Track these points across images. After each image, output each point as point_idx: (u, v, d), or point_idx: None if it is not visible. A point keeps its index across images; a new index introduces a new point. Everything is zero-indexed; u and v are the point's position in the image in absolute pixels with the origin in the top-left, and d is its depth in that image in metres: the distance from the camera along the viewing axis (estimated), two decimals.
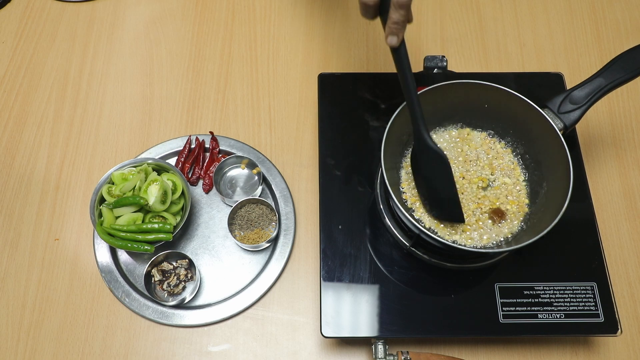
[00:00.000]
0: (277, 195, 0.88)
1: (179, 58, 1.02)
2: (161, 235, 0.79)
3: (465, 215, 0.73)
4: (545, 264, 0.76)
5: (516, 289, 0.75)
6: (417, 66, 1.00)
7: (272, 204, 0.85)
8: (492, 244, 0.72)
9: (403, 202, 0.75)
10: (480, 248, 0.72)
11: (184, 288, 0.82)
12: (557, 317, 0.73)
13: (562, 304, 0.74)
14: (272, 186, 0.89)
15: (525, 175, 0.77)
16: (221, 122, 0.96)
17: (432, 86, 0.73)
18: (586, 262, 0.76)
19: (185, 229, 0.86)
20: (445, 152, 0.69)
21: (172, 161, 0.91)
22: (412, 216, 0.73)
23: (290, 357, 0.79)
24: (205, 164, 0.90)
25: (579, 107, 0.74)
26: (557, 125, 0.72)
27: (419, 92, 0.72)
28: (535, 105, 0.72)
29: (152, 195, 0.79)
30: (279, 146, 0.94)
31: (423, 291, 0.76)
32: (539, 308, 0.73)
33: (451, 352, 0.79)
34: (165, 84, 0.99)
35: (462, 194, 0.75)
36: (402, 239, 0.76)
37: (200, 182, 0.90)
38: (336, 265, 0.77)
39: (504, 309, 0.74)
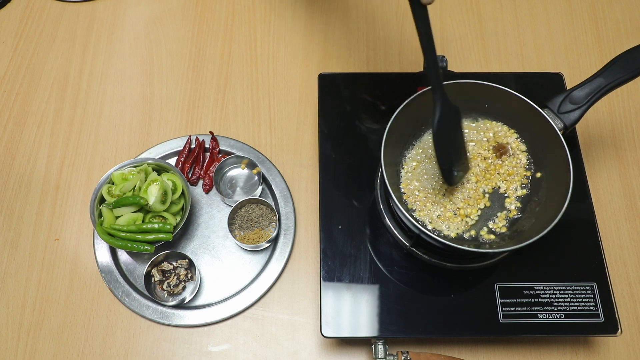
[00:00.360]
0: (277, 195, 0.88)
1: (179, 58, 1.02)
2: (161, 235, 0.79)
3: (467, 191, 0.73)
4: (545, 264, 0.76)
5: (516, 289, 0.75)
6: (417, 66, 1.00)
7: (272, 204, 0.85)
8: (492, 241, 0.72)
9: (403, 202, 0.75)
10: (481, 248, 0.72)
11: (184, 288, 0.82)
12: (557, 317, 0.73)
13: (562, 304, 0.74)
14: (272, 186, 0.89)
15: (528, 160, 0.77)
16: (221, 122, 0.96)
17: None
18: (586, 262, 0.76)
19: (185, 229, 0.86)
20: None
21: (172, 161, 0.91)
22: (412, 216, 0.73)
23: (290, 357, 0.79)
24: (205, 164, 0.90)
25: (579, 107, 0.74)
26: (557, 125, 0.72)
27: (418, 92, 0.72)
28: (535, 105, 0.72)
29: (152, 195, 0.79)
30: (279, 146, 0.94)
31: (423, 291, 0.76)
32: (539, 308, 0.73)
33: (451, 352, 0.79)
34: (165, 84, 0.99)
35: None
36: (402, 239, 0.76)
37: (200, 182, 0.90)
38: (336, 265, 0.77)
39: (504, 309, 0.74)
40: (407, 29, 1.04)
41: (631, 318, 0.81)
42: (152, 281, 0.82)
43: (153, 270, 0.82)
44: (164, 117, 0.96)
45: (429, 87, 0.72)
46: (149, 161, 0.84)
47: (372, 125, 0.86)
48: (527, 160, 0.76)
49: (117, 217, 0.81)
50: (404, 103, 0.72)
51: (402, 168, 0.78)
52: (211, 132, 0.93)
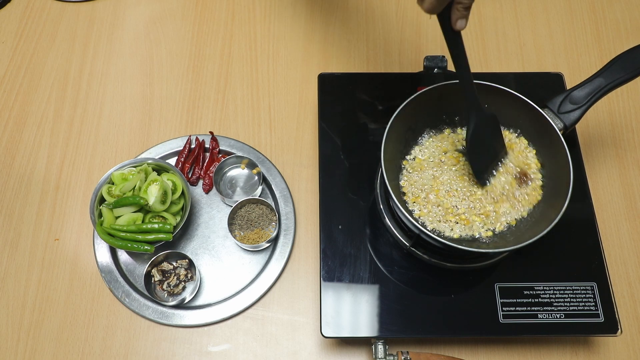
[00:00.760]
0: (277, 195, 0.88)
1: (179, 58, 1.02)
2: (161, 235, 0.79)
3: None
4: (545, 264, 0.76)
5: (516, 289, 0.75)
6: (417, 66, 1.00)
7: (272, 204, 0.85)
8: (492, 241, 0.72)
9: (403, 202, 0.75)
10: (481, 248, 0.72)
11: (184, 288, 0.82)
12: (557, 317, 0.73)
13: (562, 304, 0.74)
14: (272, 186, 0.89)
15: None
16: (221, 122, 0.96)
17: (432, 86, 0.73)
18: (586, 262, 0.76)
19: (185, 229, 0.86)
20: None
21: (172, 161, 0.91)
22: (412, 216, 0.73)
23: (290, 357, 0.79)
24: (205, 164, 0.90)
25: (579, 107, 0.74)
26: (557, 125, 0.72)
27: (418, 92, 0.72)
28: (535, 105, 0.72)
29: (152, 195, 0.79)
30: (279, 146, 0.94)
31: (423, 291, 0.76)
32: (539, 308, 0.73)
33: (451, 352, 0.79)
34: (165, 84, 0.99)
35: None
36: (402, 239, 0.76)
37: (200, 182, 0.90)
38: (336, 265, 0.77)
39: (504, 309, 0.74)
40: (407, 29, 1.04)
41: (631, 318, 0.81)
42: (152, 281, 0.82)
43: (153, 270, 0.82)
44: (164, 117, 0.96)
45: (429, 87, 0.73)
46: (149, 161, 0.84)
47: (372, 125, 0.86)
48: (542, 181, 0.75)
49: (117, 217, 0.81)
50: (404, 103, 0.72)
51: (403, 168, 0.78)
52: (211, 132, 0.93)
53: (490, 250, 0.67)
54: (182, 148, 0.91)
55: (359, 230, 0.79)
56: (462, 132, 0.80)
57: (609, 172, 0.92)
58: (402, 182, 0.77)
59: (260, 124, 0.95)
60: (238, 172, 0.91)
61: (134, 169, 0.83)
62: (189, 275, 0.82)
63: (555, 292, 0.74)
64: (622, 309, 0.81)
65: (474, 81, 0.68)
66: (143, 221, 0.81)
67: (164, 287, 0.81)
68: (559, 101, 0.74)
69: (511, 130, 0.78)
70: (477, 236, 0.73)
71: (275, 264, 0.84)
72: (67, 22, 1.05)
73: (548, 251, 0.77)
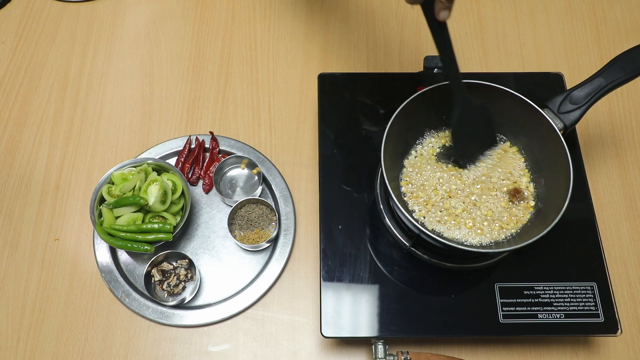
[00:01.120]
0: (277, 195, 0.88)
1: (179, 58, 1.02)
2: (161, 235, 0.79)
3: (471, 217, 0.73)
4: (545, 264, 0.76)
5: (516, 289, 0.75)
6: (417, 66, 1.00)
7: (272, 204, 0.85)
8: (492, 241, 0.72)
9: (403, 202, 0.75)
10: (481, 248, 0.72)
11: (184, 288, 0.82)
12: (557, 317, 0.73)
13: (562, 304, 0.74)
14: (272, 186, 0.89)
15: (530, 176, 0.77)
16: (221, 122, 0.96)
17: (432, 86, 0.73)
18: (586, 262, 0.76)
19: (185, 229, 0.86)
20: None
21: (172, 161, 0.91)
22: (412, 216, 0.73)
23: (290, 357, 0.79)
24: (205, 164, 0.90)
25: (579, 107, 0.74)
26: (557, 125, 0.72)
27: (418, 92, 0.72)
28: (535, 105, 0.72)
29: (152, 195, 0.79)
30: (279, 146, 0.94)
31: (423, 291, 0.76)
32: (539, 308, 0.73)
33: (451, 352, 0.79)
34: (165, 84, 0.99)
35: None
36: (402, 239, 0.76)
37: (200, 182, 0.90)
38: (336, 265, 0.77)
39: (504, 309, 0.74)
40: (407, 29, 1.04)
41: (631, 318, 0.81)
42: (152, 281, 0.82)
43: (153, 270, 0.82)
44: (164, 117, 0.96)
45: (429, 87, 0.73)
46: (149, 161, 0.84)
47: (372, 125, 0.86)
48: (534, 201, 0.75)
49: (117, 217, 0.81)
50: (404, 103, 0.72)
51: (403, 168, 0.78)
52: (211, 132, 0.93)
53: (490, 250, 0.67)
54: (182, 148, 0.91)
55: (359, 230, 0.79)
56: None
57: (609, 172, 0.92)
58: (402, 182, 0.77)
59: (260, 124, 0.95)
60: (238, 172, 0.91)
61: (134, 169, 0.83)
62: (189, 275, 0.82)
63: (555, 292, 0.74)
64: (622, 309, 0.81)
65: (463, 79, 0.70)
66: (143, 221, 0.81)
67: (164, 287, 0.81)
68: (559, 101, 0.74)
69: (505, 140, 0.79)
70: (477, 236, 0.73)
71: (275, 264, 0.84)
72: (67, 22, 1.05)
73: (548, 251, 0.77)
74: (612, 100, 0.98)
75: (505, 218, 0.74)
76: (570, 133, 0.79)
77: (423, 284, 0.76)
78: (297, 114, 0.96)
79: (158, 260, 0.82)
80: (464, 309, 0.74)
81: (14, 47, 1.03)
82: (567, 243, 0.78)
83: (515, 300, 0.74)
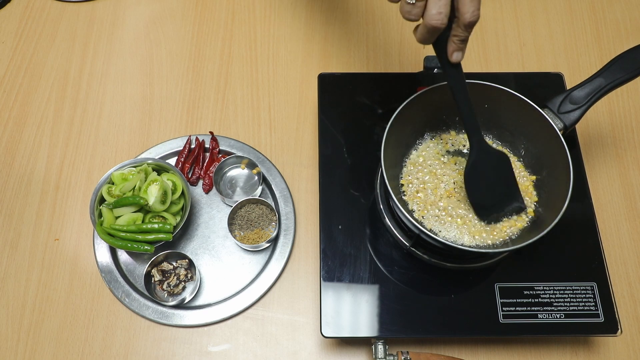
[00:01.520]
0: (277, 195, 0.88)
1: (179, 58, 1.02)
2: (161, 235, 0.79)
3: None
4: (545, 264, 0.76)
5: (516, 289, 0.75)
6: (417, 66, 1.00)
7: (272, 204, 0.85)
8: (492, 241, 0.72)
9: (403, 203, 0.75)
10: (481, 248, 0.72)
11: (184, 288, 0.82)
12: (557, 317, 0.73)
13: (562, 304, 0.74)
14: (272, 186, 0.89)
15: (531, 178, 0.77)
16: (221, 122, 0.96)
17: (432, 86, 0.73)
18: (586, 262, 0.76)
19: (185, 229, 0.86)
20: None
21: (172, 161, 0.91)
22: (412, 216, 0.73)
23: (290, 357, 0.79)
24: (205, 164, 0.90)
25: (579, 107, 0.74)
26: (557, 125, 0.72)
27: (419, 92, 0.72)
28: (535, 105, 0.72)
29: (152, 195, 0.79)
30: (279, 146, 0.94)
31: (423, 291, 0.76)
32: (539, 308, 0.73)
33: (451, 352, 0.79)
34: (165, 84, 0.99)
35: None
36: (402, 239, 0.76)
37: (200, 182, 0.90)
38: (336, 265, 0.77)
39: (504, 309, 0.74)
40: (407, 29, 1.04)
41: (631, 318, 0.81)
42: (152, 281, 0.82)
43: (153, 270, 0.82)
44: (164, 117, 0.96)
45: (429, 87, 0.73)
46: (149, 161, 0.84)
47: (372, 125, 0.86)
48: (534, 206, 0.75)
49: (117, 217, 0.81)
50: (404, 103, 0.72)
51: (403, 168, 0.78)
52: (211, 132, 0.93)
53: (490, 251, 0.67)
54: (182, 148, 0.91)
55: (359, 230, 0.79)
56: (462, 133, 0.80)
57: (609, 172, 0.92)
58: (402, 182, 0.77)
59: (260, 124, 0.95)
60: (238, 172, 0.91)
61: (134, 169, 0.83)
62: (189, 275, 0.82)
63: (555, 292, 0.74)
64: (622, 309, 0.81)
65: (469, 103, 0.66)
66: (143, 221, 0.81)
67: (164, 287, 0.81)
68: (559, 101, 0.74)
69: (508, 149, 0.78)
70: (477, 237, 0.73)
71: (275, 264, 0.84)
72: (67, 22, 1.05)
73: (548, 251, 0.77)
74: (612, 100, 0.98)
75: (505, 218, 0.74)
76: (570, 133, 0.79)
77: (423, 284, 0.76)
78: (297, 114, 0.96)
79: (158, 260, 0.82)
80: (464, 309, 0.74)
81: (14, 47, 1.03)
82: (567, 243, 0.78)
83: (515, 300, 0.74)
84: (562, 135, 0.71)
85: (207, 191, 0.89)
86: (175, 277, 0.82)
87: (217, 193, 0.88)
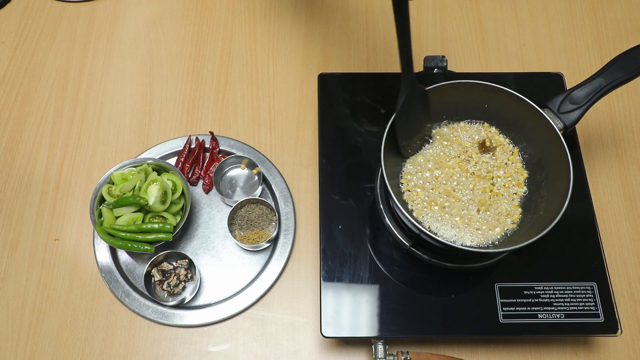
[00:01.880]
0: (277, 195, 0.88)
1: (179, 58, 1.02)
2: (161, 235, 0.79)
3: (467, 212, 0.73)
4: (545, 264, 0.76)
5: (516, 289, 0.75)
6: (417, 66, 1.00)
7: (272, 204, 0.85)
8: (492, 241, 0.72)
9: (403, 202, 0.75)
10: (480, 247, 0.72)
11: (184, 288, 0.82)
12: (557, 317, 0.73)
13: (562, 304, 0.74)
14: (272, 186, 0.89)
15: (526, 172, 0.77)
16: (221, 122, 0.96)
17: (432, 86, 0.73)
18: (586, 262, 0.76)
19: (185, 229, 0.86)
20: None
21: (172, 161, 0.91)
22: (412, 216, 0.73)
23: (290, 357, 0.79)
24: (205, 164, 0.90)
25: (579, 107, 0.74)
26: (557, 125, 0.72)
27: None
28: (535, 105, 0.72)
29: (152, 195, 0.79)
30: (279, 146, 0.94)
31: (423, 291, 0.76)
32: (539, 308, 0.73)
33: (451, 352, 0.79)
34: (165, 84, 0.99)
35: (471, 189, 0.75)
36: (402, 239, 0.76)
37: (200, 182, 0.90)
38: (336, 265, 0.77)
39: (504, 309, 0.74)
40: None
41: (631, 318, 0.81)
42: (152, 281, 0.82)
43: (153, 270, 0.82)
44: (164, 117, 0.96)
45: (429, 87, 0.73)
46: (149, 161, 0.84)
47: (372, 125, 0.86)
48: (522, 163, 0.77)
49: (117, 217, 0.81)
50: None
51: (403, 167, 0.78)
52: (211, 132, 0.93)
53: (490, 251, 0.67)
54: (182, 148, 0.91)
55: (359, 230, 0.79)
56: (462, 134, 0.80)
57: (609, 172, 0.92)
58: (402, 182, 0.77)
59: (260, 124, 0.95)
60: (238, 172, 0.91)
61: (134, 169, 0.83)
62: (189, 275, 0.82)
63: (555, 292, 0.74)
64: (622, 309, 0.81)
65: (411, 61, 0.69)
66: (143, 221, 0.81)
67: (164, 287, 0.81)
68: (559, 101, 0.74)
69: (505, 137, 0.79)
70: (477, 236, 0.73)
71: (275, 264, 0.84)
72: (67, 22, 1.05)
73: (548, 251, 0.77)
74: (612, 100, 0.98)
75: (505, 218, 0.74)
76: (570, 133, 0.79)
77: (423, 284, 0.76)
78: (297, 114, 0.96)
79: (158, 260, 0.82)
80: (464, 309, 0.74)
81: (14, 47, 1.03)
82: (567, 243, 0.78)
83: (515, 300, 0.74)
84: (562, 135, 0.71)
85: (207, 191, 0.89)
86: (175, 277, 0.82)
87: (217, 193, 0.88)
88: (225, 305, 0.81)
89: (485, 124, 0.79)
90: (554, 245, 0.77)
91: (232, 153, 0.91)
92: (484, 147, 0.77)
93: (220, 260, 0.85)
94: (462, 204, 0.74)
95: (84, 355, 0.79)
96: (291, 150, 0.93)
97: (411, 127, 0.75)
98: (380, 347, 0.73)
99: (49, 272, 0.84)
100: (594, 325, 0.72)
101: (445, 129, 0.80)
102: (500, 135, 0.79)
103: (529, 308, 0.74)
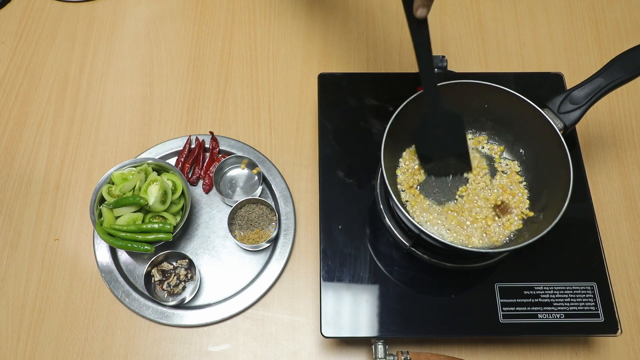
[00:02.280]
0: (277, 195, 0.88)
1: (179, 58, 1.02)
2: (161, 235, 0.79)
3: (465, 217, 0.73)
4: (545, 264, 0.76)
5: (516, 289, 0.75)
6: (417, 66, 1.00)
7: (272, 204, 0.85)
8: (497, 243, 0.72)
9: (403, 202, 0.75)
10: (481, 248, 0.72)
11: (184, 288, 0.82)
12: (557, 317, 0.73)
13: (562, 304, 0.74)
14: (272, 186, 0.89)
15: (524, 177, 0.77)
16: (221, 122, 0.96)
17: None
18: (586, 262, 0.76)
19: (185, 229, 0.86)
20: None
21: (172, 161, 0.91)
22: (412, 216, 0.73)
23: (290, 357, 0.79)
24: (205, 164, 0.90)
25: (579, 107, 0.74)
26: (557, 125, 0.72)
27: (419, 92, 0.72)
28: (535, 105, 0.72)
29: (152, 195, 0.79)
30: (279, 146, 0.94)
31: (423, 291, 0.76)
32: (539, 308, 0.73)
33: (451, 352, 0.79)
34: (165, 84, 0.99)
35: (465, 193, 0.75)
36: (402, 239, 0.76)
37: (200, 182, 0.90)
38: (336, 265, 0.77)
39: (504, 309, 0.74)
40: (407, 29, 1.04)
41: (631, 318, 0.81)
42: (152, 281, 0.82)
43: (153, 270, 0.82)
44: (164, 117, 0.96)
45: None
46: (149, 161, 0.84)
47: (372, 125, 0.86)
48: (525, 188, 0.76)
49: (117, 217, 0.81)
50: (404, 103, 0.72)
51: (403, 168, 0.78)
52: (211, 132, 0.93)
53: (490, 251, 0.67)
54: (182, 148, 0.91)
55: (359, 230, 0.79)
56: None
57: (609, 172, 0.92)
58: (402, 182, 0.76)
59: (260, 124, 0.95)
60: (238, 172, 0.91)
61: (134, 169, 0.83)
62: (189, 275, 0.82)
63: (555, 292, 0.74)
64: (622, 309, 0.81)
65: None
66: (143, 221, 0.81)
67: (164, 287, 0.81)
68: (559, 101, 0.74)
69: (507, 156, 0.79)
70: (476, 236, 0.73)
71: (275, 264, 0.84)
72: (67, 22, 1.05)
73: (548, 251, 0.77)
74: (612, 100, 0.98)
75: (505, 218, 0.74)
76: (570, 133, 0.79)
77: (423, 284, 0.76)
78: (297, 114, 0.96)
79: (158, 260, 0.82)
80: (464, 309, 0.74)
81: (14, 47, 1.03)
82: (567, 243, 0.78)
83: (515, 300, 0.74)
84: (562, 135, 0.71)
85: (207, 191, 0.89)
86: (175, 277, 0.82)
87: (217, 193, 0.88)
88: (225, 305, 0.81)
89: (492, 145, 0.79)
90: (554, 245, 0.77)
91: (232, 153, 0.91)
92: (499, 209, 0.75)
93: (220, 260, 0.85)
94: (462, 204, 0.74)
95: (84, 355, 0.79)
96: (291, 150, 0.93)
97: (433, 151, 0.75)
98: (380, 347, 0.73)
99: (49, 272, 0.84)
100: (594, 325, 0.72)
101: None
102: (507, 157, 0.79)
103: (529, 308, 0.74)
